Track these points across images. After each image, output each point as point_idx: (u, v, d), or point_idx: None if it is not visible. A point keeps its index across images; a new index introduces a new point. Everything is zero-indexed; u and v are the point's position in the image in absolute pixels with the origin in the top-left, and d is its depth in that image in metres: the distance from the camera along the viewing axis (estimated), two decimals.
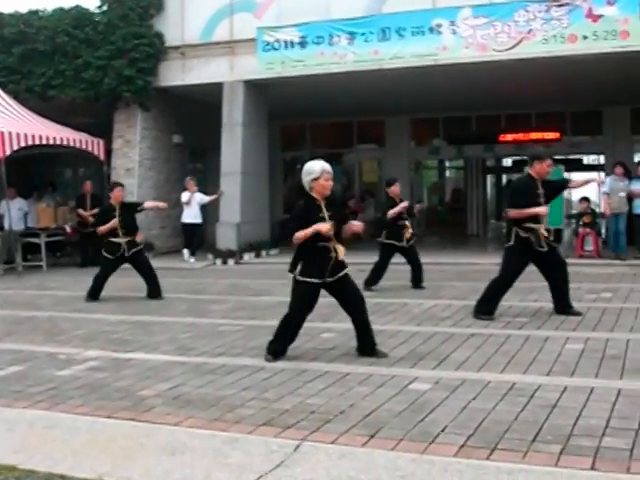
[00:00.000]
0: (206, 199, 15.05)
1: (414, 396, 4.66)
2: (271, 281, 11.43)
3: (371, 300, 8.64)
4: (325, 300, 8.81)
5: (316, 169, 5.69)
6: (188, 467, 3.62)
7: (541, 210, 7.31)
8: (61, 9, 15.93)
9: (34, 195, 15.80)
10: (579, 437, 3.83)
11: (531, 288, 8.91)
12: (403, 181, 19.14)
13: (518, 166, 24.18)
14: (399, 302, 8.58)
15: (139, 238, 10.11)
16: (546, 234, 7.41)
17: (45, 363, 6.00)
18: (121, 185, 10.07)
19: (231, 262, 14.47)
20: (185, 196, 14.83)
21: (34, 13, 16.00)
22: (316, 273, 5.75)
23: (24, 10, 16.12)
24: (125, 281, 11.18)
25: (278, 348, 5.91)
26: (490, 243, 19.76)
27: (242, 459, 3.69)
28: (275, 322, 7.46)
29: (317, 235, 5.63)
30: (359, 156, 22.11)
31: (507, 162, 26.48)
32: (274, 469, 3.55)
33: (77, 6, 15.93)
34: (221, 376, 5.36)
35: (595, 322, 7.01)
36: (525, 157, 21.48)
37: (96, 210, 14.53)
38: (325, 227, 5.61)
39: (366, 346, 5.90)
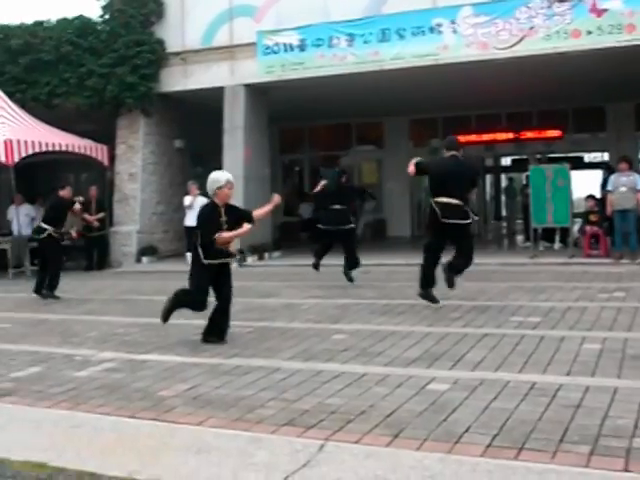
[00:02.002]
0: None
1: (433, 396, 4.64)
2: (276, 283, 11.45)
3: (379, 301, 8.72)
4: (333, 302, 8.92)
5: (222, 179, 6.59)
6: (215, 466, 3.62)
7: None
8: (65, 19, 16.12)
9: (39, 201, 15.92)
10: (608, 438, 3.75)
11: (541, 288, 8.90)
12: (403, 181, 19.36)
13: (518, 165, 24.21)
14: (407, 303, 8.55)
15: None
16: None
17: (62, 364, 6.04)
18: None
19: (234, 265, 14.43)
20: (187, 200, 14.86)
21: (39, 24, 16.20)
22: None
23: (29, 21, 16.34)
24: (131, 284, 11.22)
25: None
26: (491, 243, 19.80)
27: (268, 459, 3.69)
28: (284, 324, 7.58)
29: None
30: (358, 158, 22.13)
31: (506, 161, 26.50)
32: (300, 469, 3.55)
33: (80, 16, 16.12)
34: (237, 377, 5.35)
35: (610, 322, 6.92)
36: (525, 156, 21.55)
37: (102, 215, 14.91)
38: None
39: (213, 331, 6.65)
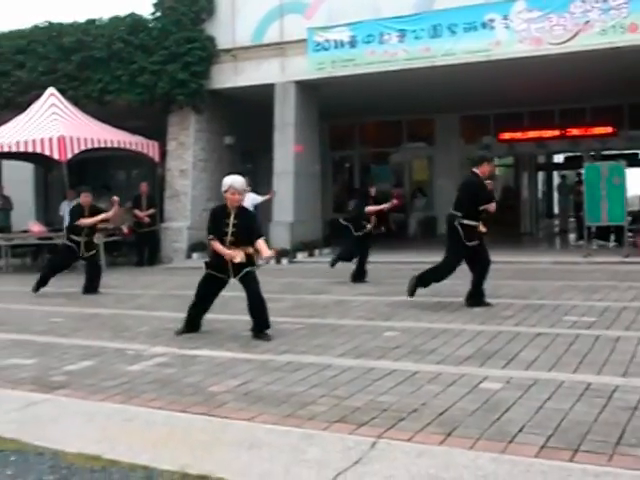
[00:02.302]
0: (259, 199, 15.12)
1: (486, 395, 4.58)
2: (326, 280, 11.43)
3: (431, 299, 8.65)
4: (384, 299, 8.88)
5: (226, 183, 6.64)
6: (267, 462, 3.62)
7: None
8: (117, 17, 16.42)
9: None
10: None
11: (595, 287, 8.71)
12: (454, 178, 19.16)
13: (570, 162, 23.76)
14: (458, 301, 8.45)
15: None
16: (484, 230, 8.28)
17: (114, 358, 6.13)
18: (88, 191, 10.70)
19: (285, 261, 14.54)
20: None
21: (91, 22, 16.54)
22: (217, 269, 6.80)
23: (82, 20, 16.69)
24: (182, 279, 11.33)
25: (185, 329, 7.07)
26: (542, 241, 19.50)
27: (320, 455, 3.68)
28: (334, 320, 7.57)
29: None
30: (408, 154, 22.00)
31: (559, 159, 26.05)
32: (352, 466, 3.52)
33: (132, 13, 16.37)
34: (288, 373, 5.36)
35: None
36: (578, 153, 21.13)
37: (152, 211, 15.12)
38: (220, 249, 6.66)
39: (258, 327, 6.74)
